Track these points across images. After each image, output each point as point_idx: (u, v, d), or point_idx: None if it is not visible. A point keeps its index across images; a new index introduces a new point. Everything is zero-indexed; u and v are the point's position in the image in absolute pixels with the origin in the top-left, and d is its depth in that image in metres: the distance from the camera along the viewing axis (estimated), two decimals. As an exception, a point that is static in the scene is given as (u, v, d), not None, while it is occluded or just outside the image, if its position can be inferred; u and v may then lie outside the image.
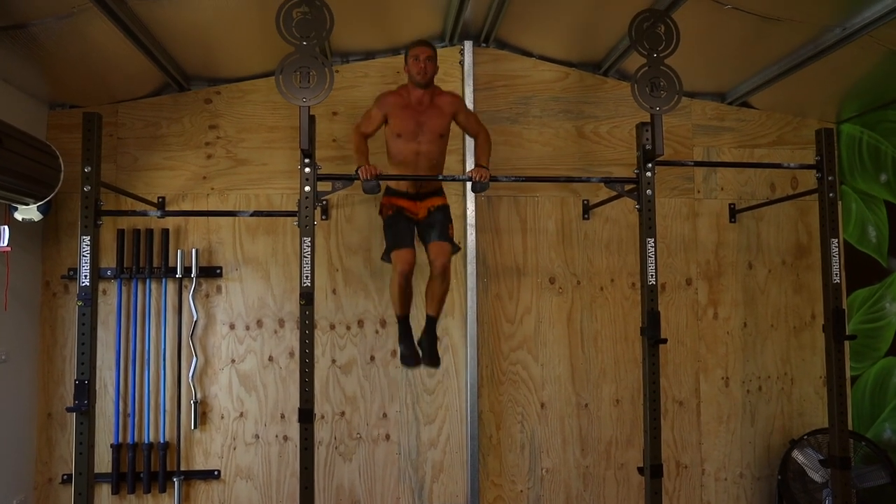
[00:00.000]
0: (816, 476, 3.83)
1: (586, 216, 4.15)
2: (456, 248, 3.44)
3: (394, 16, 3.76)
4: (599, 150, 4.20)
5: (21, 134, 3.05)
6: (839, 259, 3.45)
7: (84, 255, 3.01)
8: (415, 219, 3.41)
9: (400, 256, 3.27)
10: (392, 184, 3.43)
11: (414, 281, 3.42)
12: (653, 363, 3.19)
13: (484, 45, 4.10)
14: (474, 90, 4.02)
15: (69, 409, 2.93)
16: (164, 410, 3.80)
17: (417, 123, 3.29)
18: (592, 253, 4.15)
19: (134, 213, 3.52)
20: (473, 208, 3.97)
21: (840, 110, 4.28)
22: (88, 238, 3.02)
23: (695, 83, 4.15)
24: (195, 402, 3.80)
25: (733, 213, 4.26)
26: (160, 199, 3.88)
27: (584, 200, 4.14)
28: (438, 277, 3.34)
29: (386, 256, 3.41)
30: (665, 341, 3.20)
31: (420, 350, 3.46)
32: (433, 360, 3.46)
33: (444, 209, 3.45)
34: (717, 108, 4.34)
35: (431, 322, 3.46)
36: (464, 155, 4.02)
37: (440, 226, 3.38)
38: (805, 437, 4.01)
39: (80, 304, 2.98)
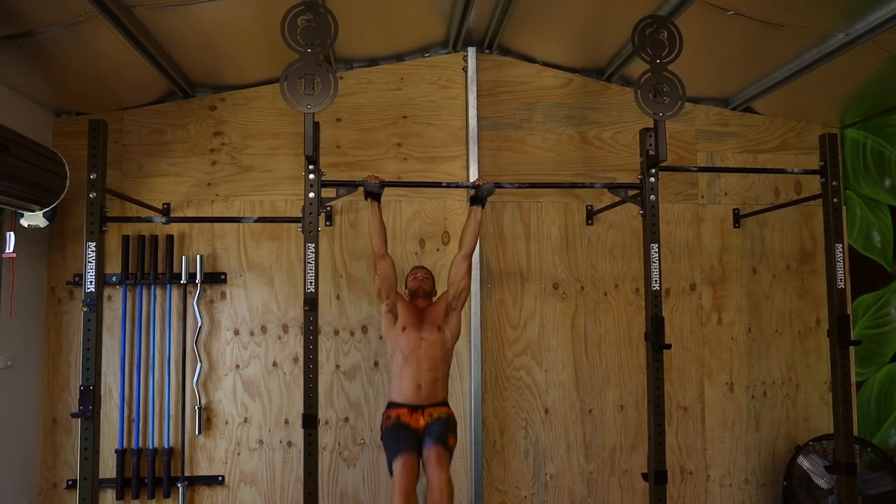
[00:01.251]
0: (822, 482, 3.81)
1: (590, 222, 4.15)
2: (452, 451, 3.20)
3: (397, 23, 3.78)
4: (603, 156, 4.20)
5: (27, 141, 3.07)
6: (844, 264, 3.44)
7: (89, 262, 3.02)
8: (415, 427, 3.19)
9: (401, 462, 3.01)
10: (395, 395, 3.29)
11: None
12: (657, 369, 3.18)
13: (487, 51, 4.11)
14: (478, 96, 4.04)
15: (74, 415, 2.94)
16: (169, 416, 3.80)
17: (420, 318, 3.36)
18: (596, 258, 4.15)
19: (139, 219, 3.54)
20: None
21: (844, 115, 4.28)
22: (94, 244, 3.04)
23: (698, 89, 4.16)
24: (199, 408, 3.80)
25: (737, 218, 4.26)
26: (165, 206, 3.89)
27: (587, 206, 4.14)
28: (436, 470, 3.01)
29: (390, 471, 3.12)
30: (669, 347, 3.19)
31: None
32: None
33: (448, 418, 3.25)
34: (721, 114, 4.34)
35: None
36: (467, 162, 4.03)
37: (439, 433, 3.15)
38: (810, 442, 3.99)
39: (85, 309, 2.99)
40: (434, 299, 3.50)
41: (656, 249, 3.21)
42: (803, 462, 3.92)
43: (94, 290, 3.00)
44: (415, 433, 3.18)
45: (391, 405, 3.30)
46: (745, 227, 4.29)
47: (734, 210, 4.27)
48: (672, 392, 4.11)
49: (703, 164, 4.26)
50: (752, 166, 4.29)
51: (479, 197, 3.31)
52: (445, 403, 3.32)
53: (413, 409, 3.23)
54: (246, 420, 3.87)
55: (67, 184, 3.37)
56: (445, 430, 3.18)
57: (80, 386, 2.95)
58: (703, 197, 4.27)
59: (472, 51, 4.06)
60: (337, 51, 3.91)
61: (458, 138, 4.09)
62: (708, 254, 4.25)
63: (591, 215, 4.14)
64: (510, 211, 4.10)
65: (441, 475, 2.98)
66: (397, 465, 3.02)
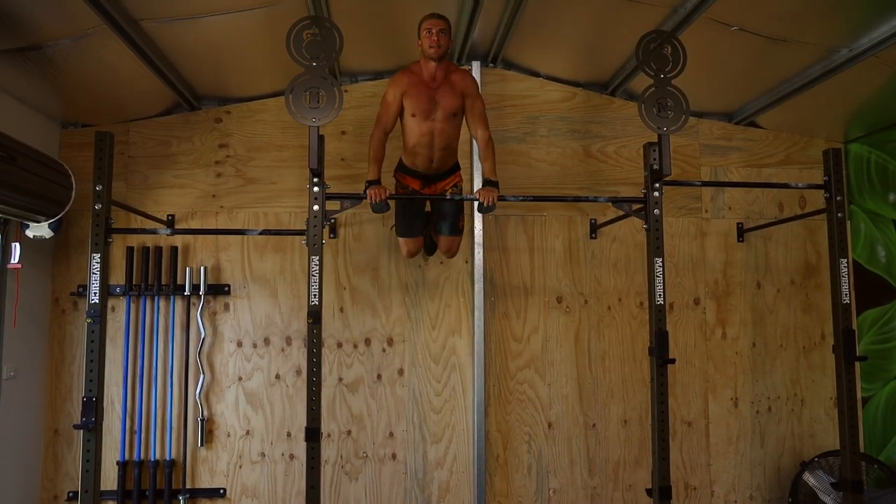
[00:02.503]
0: (828, 499, 3.78)
1: (594, 235, 4.15)
2: (461, 228, 3.61)
3: (402, 36, 3.78)
4: (607, 170, 4.21)
5: (33, 152, 3.09)
6: (849, 279, 3.43)
7: (94, 273, 3.03)
8: (425, 203, 3.53)
9: (407, 245, 3.55)
10: (406, 160, 3.44)
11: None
12: (661, 383, 3.17)
13: (491, 65, 4.13)
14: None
15: (76, 426, 2.93)
16: (171, 428, 3.79)
17: (431, 101, 3.19)
18: (600, 272, 4.14)
19: (144, 230, 3.55)
20: (481, 227, 3.98)
21: (847, 130, 4.28)
22: (98, 255, 3.04)
23: (702, 103, 4.17)
24: (202, 420, 3.79)
25: (741, 232, 4.26)
26: (170, 217, 3.90)
27: (591, 220, 4.14)
28: (447, 253, 3.63)
29: (396, 233, 3.61)
30: (673, 361, 3.18)
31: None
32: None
33: (457, 193, 3.47)
34: (724, 128, 4.35)
35: None
36: (471, 174, 4.04)
37: (451, 218, 3.51)
38: (816, 459, 3.96)
39: (89, 320, 2.99)
40: (453, 73, 3.25)
41: (660, 263, 3.21)
42: (809, 479, 3.88)
43: (98, 301, 3.00)
44: (424, 210, 3.53)
45: (404, 169, 3.43)
46: (749, 241, 4.28)
47: (738, 224, 4.27)
48: (676, 407, 4.08)
49: (706, 178, 4.26)
50: (756, 181, 4.29)
51: (483, 209, 3.29)
52: (456, 167, 3.47)
53: (425, 181, 3.41)
54: (248, 433, 3.86)
55: (73, 195, 3.38)
56: (457, 214, 3.51)
57: (83, 397, 2.94)
58: (706, 211, 4.27)
59: (476, 64, 4.08)
60: (342, 64, 3.93)
61: (463, 151, 4.06)
62: (712, 268, 4.24)
63: (594, 229, 4.14)
64: (514, 224, 4.10)
65: (452, 252, 3.62)
66: (404, 244, 3.56)
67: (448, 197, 3.41)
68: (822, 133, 4.37)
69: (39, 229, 3.36)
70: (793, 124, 4.32)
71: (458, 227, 3.56)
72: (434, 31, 3.14)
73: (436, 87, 3.22)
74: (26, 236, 3.39)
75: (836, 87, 3.65)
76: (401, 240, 3.57)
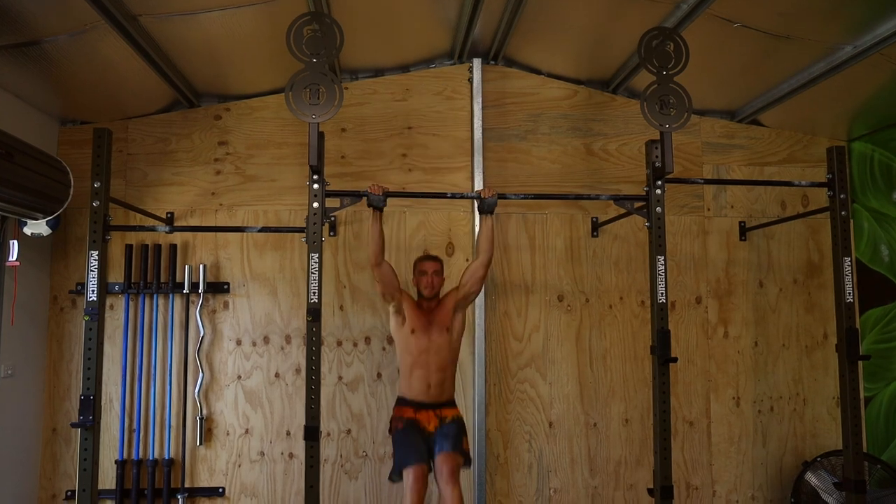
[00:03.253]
0: (830, 499, 3.76)
1: (595, 233, 4.12)
2: (468, 462, 3.28)
3: (403, 33, 3.78)
4: (608, 168, 4.18)
5: (31, 149, 3.06)
6: (852, 278, 3.40)
7: (92, 270, 3.01)
8: (427, 430, 3.23)
9: (412, 475, 3.06)
10: (405, 391, 3.32)
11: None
12: (663, 383, 3.15)
13: (493, 62, 4.11)
14: (483, 107, 4.03)
15: (74, 425, 2.91)
16: (170, 426, 3.77)
17: (429, 320, 3.33)
18: (601, 270, 4.12)
19: (142, 228, 3.53)
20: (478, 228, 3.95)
21: (851, 128, 4.26)
22: (97, 253, 3.02)
23: (704, 101, 4.15)
24: (201, 419, 3.77)
25: (743, 231, 4.23)
26: (169, 215, 3.88)
27: (592, 218, 4.12)
28: (448, 486, 3.05)
29: (395, 475, 3.17)
30: (675, 360, 3.16)
31: None
32: None
33: (459, 421, 3.31)
34: (727, 126, 4.32)
35: None
36: (472, 173, 4.02)
37: (454, 438, 3.21)
38: (818, 459, 3.94)
39: (87, 318, 2.97)
40: (441, 297, 3.43)
41: (662, 262, 3.18)
42: (811, 478, 3.86)
43: (95, 298, 2.98)
44: (426, 436, 3.22)
45: (402, 401, 3.33)
46: (752, 239, 4.26)
47: (740, 223, 4.24)
48: (678, 406, 4.06)
49: (708, 176, 4.24)
50: (759, 179, 4.27)
51: (483, 209, 3.29)
52: (454, 402, 3.38)
53: (424, 407, 3.27)
54: (247, 431, 3.84)
55: (71, 192, 3.36)
56: (459, 435, 3.26)
57: (81, 395, 2.92)
58: (709, 209, 4.25)
59: (477, 62, 4.06)
60: (342, 61, 3.91)
61: (464, 149, 4.08)
62: (714, 266, 4.22)
63: (596, 227, 4.12)
64: (515, 222, 4.08)
65: (453, 492, 3.05)
66: (408, 475, 3.08)
67: (444, 426, 3.24)
68: (825, 131, 4.34)
69: (37, 227, 3.34)
70: (795, 122, 4.29)
71: (462, 448, 3.23)
72: (429, 272, 3.38)
73: (431, 310, 3.38)
74: (24, 234, 3.37)
75: (840, 84, 3.63)
76: (405, 473, 3.08)
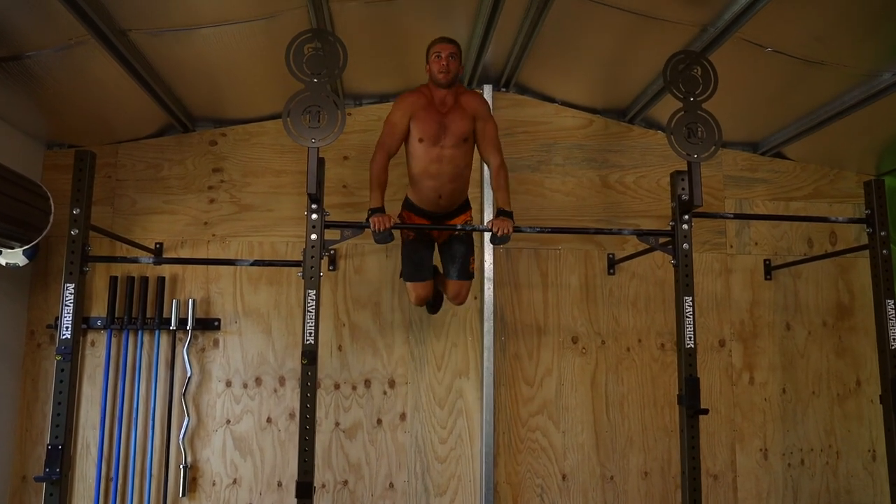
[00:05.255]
0: (871, 565, 3.44)
1: (612, 271, 3.87)
2: (471, 276, 3.25)
3: (410, 57, 3.57)
4: (625, 201, 3.95)
5: (7, 172, 2.84)
6: None
7: (67, 305, 2.75)
8: (434, 243, 3.21)
9: (416, 290, 3.17)
10: (413, 197, 3.13)
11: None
12: (692, 436, 2.86)
13: (504, 89, 3.92)
14: (493, 136, 3.81)
15: (38, 479, 2.61)
16: (151, 475, 3.47)
17: (441, 125, 2.95)
18: (618, 311, 3.86)
19: (124, 259, 3.27)
20: (491, 261, 3.72)
21: (880, 162, 4.04)
22: (73, 285, 2.77)
23: (726, 132, 3.83)
24: (185, 467, 3.47)
25: (769, 269, 3.98)
26: (158, 245, 3.64)
27: (609, 254, 3.87)
28: (456, 299, 3.25)
29: (403, 277, 3.29)
30: (706, 412, 2.88)
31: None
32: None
33: (469, 239, 3.24)
34: (749, 159, 4.11)
35: None
36: (482, 204, 3.79)
37: (462, 259, 3.15)
38: (855, 519, 3.63)
39: (58, 358, 2.70)
40: (463, 96, 3.02)
41: (690, 303, 2.93)
42: (849, 541, 3.55)
43: (69, 336, 2.72)
44: (432, 246, 3.19)
45: (411, 206, 3.13)
46: (777, 279, 4.00)
47: (765, 261, 4.00)
48: (700, 458, 3.74)
49: (731, 210, 4.00)
50: (784, 214, 4.03)
51: (495, 241, 3.02)
52: (467, 204, 3.19)
53: (434, 220, 3.11)
54: (235, 481, 3.53)
55: (51, 219, 3.12)
56: (467, 255, 3.16)
57: (48, 445, 2.63)
58: (731, 246, 4.00)
59: (488, 88, 3.86)
60: (346, 86, 3.72)
61: (473, 180, 3.81)
62: (738, 307, 3.96)
63: (612, 264, 3.87)
64: (526, 258, 3.83)
65: (461, 299, 3.22)
66: (413, 288, 3.17)
67: (458, 228, 3.12)
68: (853, 165, 4.13)
69: (13, 256, 3.10)
70: (821, 155, 4.07)
71: (469, 271, 3.19)
72: (444, 55, 2.93)
73: (445, 112, 2.98)
74: (-1, 264, 3.12)
75: (871, 115, 3.42)
76: (409, 285, 3.20)
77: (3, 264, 3.11)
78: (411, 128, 2.97)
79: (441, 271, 3.30)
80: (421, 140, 2.95)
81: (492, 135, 3.07)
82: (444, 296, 3.36)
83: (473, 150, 3.09)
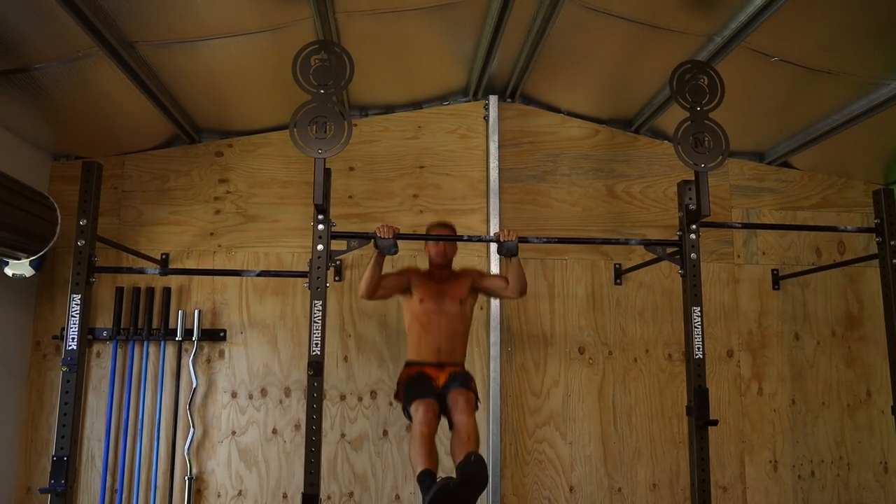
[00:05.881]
0: (884, 579, 3.39)
1: (618, 281, 3.85)
2: (476, 403, 2.96)
3: (417, 69, 3.60)
4: (632, 211, 3.94)
5: (13, 182, 2.84)
6: (905, 333, 3.11)
7: (73, 315, 2.75)
8: (435, 382, 2.97)
9: (422, 407, 2.78)
10: (413, 356, 3.08)
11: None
12: (701, 447, 2.83)
13: (510, 99, 3.91)
14: (499, 146, 3.81)
15: (43, 490, 2.60)
16: (155, 487, 3.45)
17: (440, 290, 3.11)
18: (625, 321, 3.83)
19: (130, 270, 3.27)
20: (498, 271, 3.69)
21: (888, 171, 4.02)
22: (79, 296, 2.77)
23: (733, 141, 3.78)
24: (189, 478, 3.45)
25: (776, 279, 3.95)
26: (164, 256, 3.64)
27: (615, 264, 3.85)
28: (462, 414, 2.79)
29: (406, 415, 2.98)
30: (715, 423, 2.85)
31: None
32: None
33: (468, 373, 3.09)
34: (756, 168, 4.09)
35: (473, 454, 2.65)
36: (487, 215, 3.78)
37: (462, 380, 2.97)
38: (867, 532, 3.58)
39: (64, 369, 2.69)
40: (456, 271, 3.22)
41: (699, 313, 2.91)
42: (861, 554, 3.50)
43: (75, 347, 2.71)
44: (435, 386, 2.97)
45: (410, 364, 3.09)
46: (786, 288, 3.97)
47: (773, 270, 3.97)
48: (710, 470, 3.71)
49: (738, 220, 3.98)
50: (792, 223, 4.01)
51: (502, 253, 3.02)
52: (463, 365, 3.14)
53: (433, 366, 3.03)
54: (240, 493, 3.51)
55: (58, 230, 3.12)
56: (468, 380, 3.02)
57: (53, 456, 2.62)
58: (739, 256, 3.98)
59: (493, 99, 3.86)
60: (352, 97, 3.72)
61: (478, 190, 3.85)
62: (746, 317, 3.93)
63: (619, 274, 3.85)
64: (533, 268, 3.80)
65: (468, 420, 2.78)
66: (417, 408, 2.81)
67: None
68: (860, 174, 4.11)
69: (19, 267, 3.10)
70: (829, 165, 4.06)
71: (470, 386, 2.97)
72: (442, 243, 3.15)
73: (443, 280, 3.16)
74: (5, 274, 3.12)
75: (879, 124, 3.41)
76: (414, 408, 2.82)
77: (10, 275, 3.11)
78: (412, 290, 3.11)
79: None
80: (422, 300, 3.08)
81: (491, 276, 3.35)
82: (449, 415, 2.90)
83: (471, 321, 3.21)
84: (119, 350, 3.54)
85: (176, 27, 2.74)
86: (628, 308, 3.85)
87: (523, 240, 3.05)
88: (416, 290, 3.10)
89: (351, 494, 3.55)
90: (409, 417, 2.91)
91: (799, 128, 3.71)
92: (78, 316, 2.75)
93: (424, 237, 3.17)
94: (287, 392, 3.61)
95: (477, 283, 3.20)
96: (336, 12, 2.83)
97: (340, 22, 2.92)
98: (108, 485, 3.43)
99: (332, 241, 2.86)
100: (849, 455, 3.85)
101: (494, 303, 3.67)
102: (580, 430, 3.72)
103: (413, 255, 3.71)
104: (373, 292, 3.02)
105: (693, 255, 2.96)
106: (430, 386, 2.93)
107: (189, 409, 3.51)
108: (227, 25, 2.79)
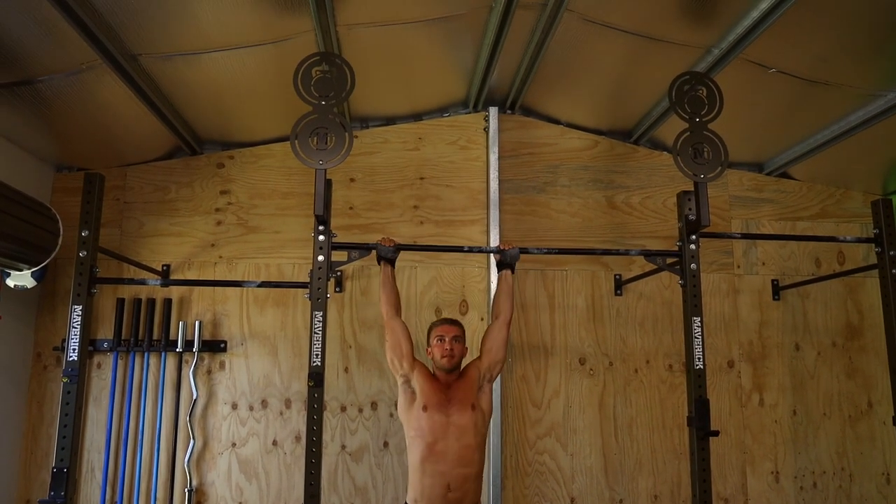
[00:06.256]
0: (888, 591, 3.37)
1: (619, 292, 3.86)
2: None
3: (417, 81, 3.62)
4: (631, 222, 3.95)
5: (16, 194, 2.85)
6: (905, 343, 3.11)
7: (74, 327, 2.75)
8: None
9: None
10: (416, 496, 2.71)
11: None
12: (702, 458, 2.83)
13: (510, 111, 3.94)
14: (499, 157, 3.83)
15: (42, 502, 2.59)
16: (155, 498, 3.44)
17: (445, 396, 2.75)
18: (626, 332, 3.83)
19: (132, 281, 3.28)
20: (495, 285, 3.70)
21: (887, 181, 4.03)
22: (80, 307, 2.77)
23: (732, 152, 3.80)
24: (189, 491, 3.44)
25: (776, 289, 3.96)
26: (165, 267, 3.65)
27: (616, 275, 3.86)
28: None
29: None
30: (716, 434, 2.85)
31: None
32: None
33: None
34: (755, 179, 4.11)
35: None
36: (487, 226, 3.79)
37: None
38: (870, 543, 3.57)
39: (65, 380, 2.70)
40: (462, 368, 2.87)
41: (699, 323, 2.91)
42: (864, 566, 3.48)
43: (76, 358, 2.71)
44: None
45: None
46: (786, 299, 3.98)
47: (773, 281, 3.98)
48: (711, 481, 3.69)
49: (737, 231, 3.99)
50: (791, 234, 4.02)
51: (504, 263, 3.03)
52: None
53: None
54: (240, 505, 3.50)
55: (60, 241, 3.13)
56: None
57: (53, 468, 2.61)
58: (738, 266, 3.99)
59: (493, 111, 3.88)
60: (353, 109, 3.75)
61: (479, 201, 3.86)
62: (746, 328, 3.93)
63: (619, 285, 3.85)
64: (533, 279, 3.82)
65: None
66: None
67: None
68: (859, 185, 4.12)
69: (21, 278, 3.11)
70: (828, 175, 4.07)
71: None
72: (447, 339, 2.80)
73: (450, 384, 2.81)
74: (7, 286, 3.12)
75: (877, 135, 3.43)
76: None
77: (12, 286, 3.12)
78: (416, 393, 2.76)
79: None
80: (425, 408, 2.70)
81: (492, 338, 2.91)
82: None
83: (486, 434, 2.84)
84: (120, 361, 3.54)
85: (179, 40, 2.76)
86: (629, 319, 3.85)
87: (523, 250, 3.07)
88: (420, 391, 2.75)
89: (351, 506, 3.54)
90: None
91: (797, 138, 3.73)
92: (79, 327, 2.75)
93: (425, 248, 3.17)
94: (287, 403, 3.60)
95: (481, 365, 2.85)
96: (337, 25, 2.86)
97: (341, 34, 2.95)
98: (107, 497, 3.42)
99: (333, 252, 2.87)
100: (851, 466, 3.84)
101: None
102: (581, 442, 3.71)
103: (413, 266, 3.72)
104: (394, 301, 2.86)
105: (693, 266, 2.97)
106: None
107: (189, 420, 3.51)
108: (229, 38, 2.81)
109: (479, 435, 2.72)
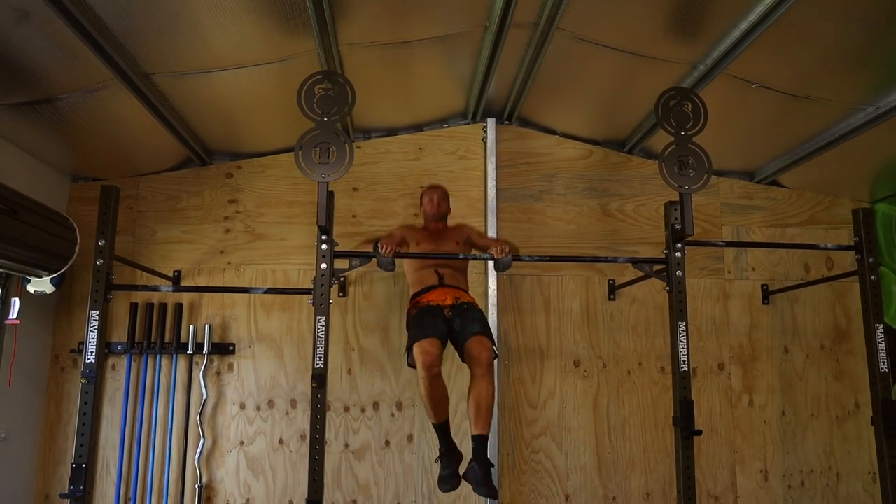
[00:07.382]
0: (870, 586, 3.49)
1: (612, 297, 3.99)
2: (495, 353, 3.06)
3: (417, 93, 3.77)
4: (625, 229, 4.09)
5: (36, 205, 3.02)
6: (885, 345, 3.23)
7: (92, 330, 2.92)
8: (444, 310, 3.10)
9: (422, 347, 2.89)
10: (416, 288, 3.29)
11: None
12: (687, 457, 2.96)
13: (507, 122, 4.08)
14: (497, 167, 3.98)
15: (63, 496, 2.76)
16: (167, 494, 3.60)
17: (437, 237, 3.43)
18: (619, 335, 3.97)
19: (145, 287, 3.45)
20: (495, 287, 3.85)
21: (874, 189, 4.15)
22: (97, 312, 2.94)
23: (722, 161, 4.06)
24: (200, 487, 3.60)
25: (766, 294, 4.08)
26: (176, 273, 3.81)
27: (609, 280, 4.00)
28: (483, 377, 2.89)
29: (409, 356, 3.06)
30: (700, 433, 2.98)
31: (470, 472, 2.88)
32: (490, 490, 2.82)
33: (478, 307, 3.21)
34: (746, 187, 4.23)
35: (481, 443, 2.87)
36: (486, 227, 3.93)
37: (480, 322, 3.07)
38: (855, 540, 3.68)
39: (83, 381, 2.86)
40: (451, 226, 3.53)
41: (684, 328, 3.05)
42: (848, 562, 3.60)
43: (94, 360, 2.88)
44: (442, 314, 3.10)
45: (415, 295, 3.27)
46: (775, 303, 4.10)
47: (762, 286, 4.10)
48: (702, 480, 3.83)
49: (728, 237, 4.12)
50: (780, 241, 4.15)
51: (498, 268, 3.20)
52: (468, 291, 3.34)
53: (437, 287, 3.20)
54: (248, 501, 3.66)
55: (77, 249, 3.30)
56: (484, 319, 3.14)
57: (72, 463, 2.78)
58: (729, 272, 4.11)
59: (491, 121, 4.03)
60: (356, 120, 3.90)
61: (477, 209, 4.00)
62: (736, 331, 4.06)
63: (613, 290, 3.99)
64: (529, 284, 3.96)
65: (489, 385, 2.91)
66: (417, 349, 2.92)
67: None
68: (848, 192, 4.23)
69: (41, 284, 3.27)
70: (816, 183, 4.19)
71: (489, 333, 3.08)
72: (435, 198, 3.48)
73: (439, 231, 3.48)
74: (27, 291, 3.29)
75: (862, 145, 3.54)
76: (415, 347, 2.94)
77: (32, 292, 3.29)
78: (409, 243, 3.38)
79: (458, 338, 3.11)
80: (418, 244, 3.38)
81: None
82: (469, 365, 3.03)
83: (467, 249, 3.45)
84: (133, 363, 3.70)
85: (190, 59, 2.92)
86: (622, 322, 3.99)
87: (518, 258, 3.21)
88: (413, 241, 3.38)
89: (354, 502, 3.69)
90: (412, 363, 3.03)
91: (784, 148, 3.85)
92: (96, 331, 2.92)
93: (423, 256, 3.32)
94: (293, 404, 3.76)
95: (472, 239, 3.47)
96: (339, 45, 3.01)
97: (343, 53, 3.10)
98: (122, 492, 3.58)
99: (337, 260, 3.02)
100: (838, 465, 3.96)
101: (492, 318, 3.81)
102: (575, 441, 3.84)
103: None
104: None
105: (678, 273, 3.10)
106: (436, 321, 3.05)
107: (199, 419, 3.67)
108: (237, 57, 2.97)
109: (462, 251, 3.38)
